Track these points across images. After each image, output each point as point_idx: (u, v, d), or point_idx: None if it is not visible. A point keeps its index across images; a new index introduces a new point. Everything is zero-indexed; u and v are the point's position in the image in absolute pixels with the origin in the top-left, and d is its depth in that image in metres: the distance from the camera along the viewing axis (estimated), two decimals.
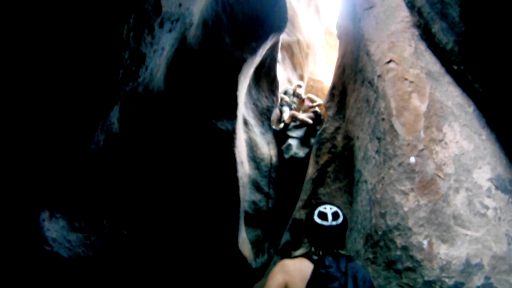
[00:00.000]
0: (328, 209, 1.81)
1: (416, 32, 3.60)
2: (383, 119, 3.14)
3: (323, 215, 1.79)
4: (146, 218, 3.64)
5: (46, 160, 2.71)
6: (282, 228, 5.41)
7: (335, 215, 1.78)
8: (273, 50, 5.90)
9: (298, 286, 1.61)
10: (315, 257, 1.70)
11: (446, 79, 3.29)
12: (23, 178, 2.66)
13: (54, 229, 2.88)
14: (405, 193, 2.60)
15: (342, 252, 1.75)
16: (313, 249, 1.77)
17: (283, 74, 8.11)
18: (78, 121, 2.68)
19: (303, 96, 7.62)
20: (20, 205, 2.71)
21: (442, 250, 2.30)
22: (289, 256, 1.82)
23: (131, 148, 3.48)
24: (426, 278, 2.23)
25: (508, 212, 2.55)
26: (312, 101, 7.25)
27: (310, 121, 6.55)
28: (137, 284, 3.56)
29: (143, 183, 3.62)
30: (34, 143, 2.57)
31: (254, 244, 5.28)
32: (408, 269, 2.34)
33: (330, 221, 1.75)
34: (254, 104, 5.97)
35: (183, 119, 3.84)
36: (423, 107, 2.99)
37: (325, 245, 1.74)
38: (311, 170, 5.27)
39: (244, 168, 4.65)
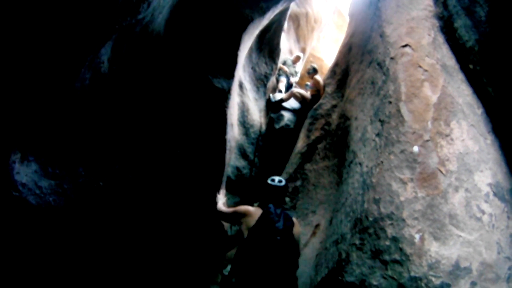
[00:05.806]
0: (277, 178, 2.90)
1: (437, 23, 3.50)
2: (389, 102, 3.04)
3: (272, 180, 2.87)
4: (126, 170, 3.42)
5: (24, 95, 2.43)
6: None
7: (280, 181, 2.86)
8: (281, 16, 5.58)
9: (252, 221, 2.58)
10: (265, 208, 2.64)
11: (460, 76, 3.21)
12: None
13: (25, 173, 2.64)
14: (404, 182, 2.51)
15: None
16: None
17: (286, 44, 7.92)
18: (65, 50, 2.39)
19: (317, 76, 7.14)
20: None
21: (433, 248, 2.23)
22: None
23: (118, 93, 3.20)
24: (412, 274, 2.17)
25: (501, 221, 2.52)
26: (316, 85, 6.74)
27: (309, 97, 6.36)
28: (106, 239, 3.39)
29: (127, 132, 3.37)
30: (15, 72, 2.27)
31: None
32: (396, 261, 2.26)
33: (276, 183, 2.83)
34: (252, 68, 5.68)
35: (178, 70, 3.59)
36: (434, 98, 2.89)
37: (272, 200, 2.76)
38: (300, 144, 5.15)
39: (234, 132, 4.47)
